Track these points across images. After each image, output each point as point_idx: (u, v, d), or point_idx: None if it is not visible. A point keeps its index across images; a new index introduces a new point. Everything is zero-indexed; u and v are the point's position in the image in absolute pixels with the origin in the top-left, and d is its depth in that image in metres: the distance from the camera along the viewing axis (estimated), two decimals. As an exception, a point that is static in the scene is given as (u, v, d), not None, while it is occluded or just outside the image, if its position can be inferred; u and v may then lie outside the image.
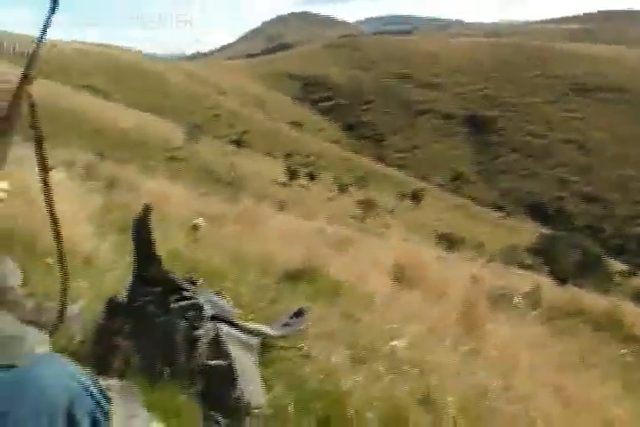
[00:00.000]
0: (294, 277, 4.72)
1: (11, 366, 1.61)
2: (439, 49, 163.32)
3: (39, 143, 2.10)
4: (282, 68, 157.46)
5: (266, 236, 7.43)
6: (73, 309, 2.65)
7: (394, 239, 8.27)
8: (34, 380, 1.25)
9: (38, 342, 1.79)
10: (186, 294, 2.37)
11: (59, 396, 1.22)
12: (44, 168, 2.13)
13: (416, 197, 63.55)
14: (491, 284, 8.19)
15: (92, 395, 1.26)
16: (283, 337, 2.76)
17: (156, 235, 5.60)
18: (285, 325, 2.88)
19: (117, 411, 1.28)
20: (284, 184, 49.14)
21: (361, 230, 19.13)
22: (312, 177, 56.58)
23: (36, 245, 3.14)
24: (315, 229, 11.17)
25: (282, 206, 21.07)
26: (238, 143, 63.21)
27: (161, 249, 4.80)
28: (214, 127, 76.90)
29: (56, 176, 6.52)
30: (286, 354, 2.68)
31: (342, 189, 55.24)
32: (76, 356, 2.30)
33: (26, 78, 2.00)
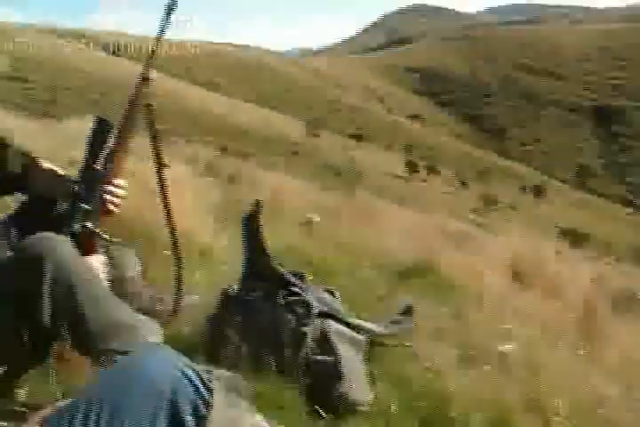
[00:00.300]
0: (407, 273, 4.70)
1: (125, 354, 1.70)
2: (564, 37, 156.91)
3: (155, 141, 2.20)
4: (402, 61, 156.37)
5: (382, 230, 7.42)
6: (189, 299, 2.76)
7: (513, 235, 8.05)
8: (142, 369, 1.30)
9: (151, 332, 1.87)
10: (294, 289, 2.41)
11: (164, 386, 1.27)
12: (160, 164, 2.23)
13: (539, 191, 61.50)
14: (616, 284, 7.81)
15: (194, 386, 1.29)
16: (390, 335, 2.75)
17: (273, 228, 5.74)
18: (394, 322, 2.87)
19: (219, 402, 1.31)
20: (403, 178, 48.85)
21: (480, 226, 18.74)
22: (432, 171, 55.88)
23: (157, 238, 3.28)
24: (432, 224, 11.05)
25: (400, 201, 20.95)
26: (358, 137, 63.43)
27: (276, 243, 4.92)
28: (334, 122, 77.40)
29: (179, 171, 6.80)
30: (393, 352, 2.67)
31: (462, 183, 54.28)
32: (188, 345, 2.39)
33: (144, 80, 2.10)
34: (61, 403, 1.35)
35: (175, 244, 2.33)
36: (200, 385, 1.30)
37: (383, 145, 67.89)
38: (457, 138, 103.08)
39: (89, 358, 1.72)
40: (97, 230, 2.03)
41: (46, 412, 1.36)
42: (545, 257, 6.80)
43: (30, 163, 2.17)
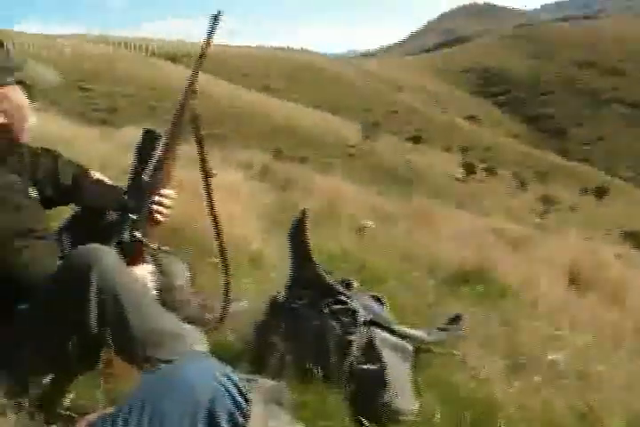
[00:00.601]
0: (460, 278, 4.64)
1: (169, 362, 1.73)
2: (626, 31, 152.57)
3: (202, 151, 2.24)
4: (459, 62, 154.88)
5: (437, 235, 7.35)
6: (237, 306, 2.79)
7: (573, 238, 7.88)
8: (182, 379, 1.32)
9: (196, 341, 1.91)
10: (340, 297, 2.41)
11: (202, 395, 1.29)
12: (206, 173, 2.27)
13: (601, 191, 59.86)
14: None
15: (232, 396, 1.31)
16: (438, 342, 2.73)
17: (327, 233, 5.74)
18: (442, 330, 2.84)
19: (257, 413, 1.32)
20: (460, 180, 48.30)
21: (539, 228, 18.36)
22: (490, 172, 55.06)
23: (207, 245, 3.32)
24: (490, 228, 10.89)
25: (458, 203, 20.68)
26: (415, 139, 63.08)
27: (330, 247, 4.93)
28: (391, 124, 77.03)
29: (232, 176, 6.87)
30: (440, 360, 2.64)
31: (522, 184, 53.28)
32: (234, 353, 2.41)
33: (190, 91, 2.14)
34: (107, 409, 1.40)
35: (222, 251, 2.37)
36: (238, 396, 1.32)
37: (440, 147, 67.21)
38: (515, 138, 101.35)
39: (134, 366, 1.76)
40: (145, 240, 2.08)
41: (93, 416, 1.41)
42: (605, 260, 6.63)
43: (81, 174, 2.24)
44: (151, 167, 2.10)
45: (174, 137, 2.13)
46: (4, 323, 1.79)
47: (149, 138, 2.11)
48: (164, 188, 2.14)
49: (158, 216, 2.12)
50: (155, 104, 30.82)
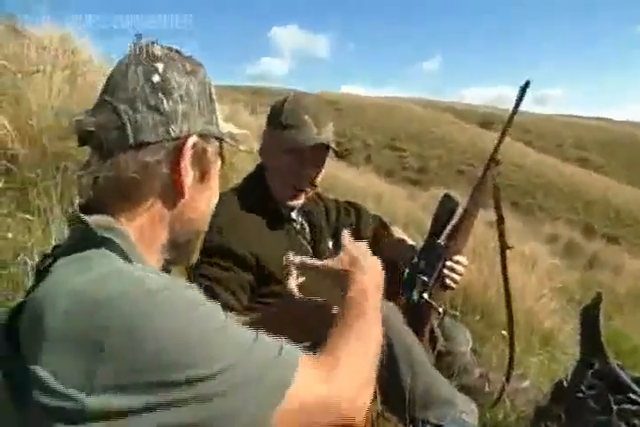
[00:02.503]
0: None
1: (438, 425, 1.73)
2: None
3: (500, 221, 2.22)
4: None
5: None
6: (520, 384, 2.68)
7: None
8: None
9: (467, 411, 1.87)
10: (632, 396, 2.18)
11: None
12: (503, 245, 2.25)
13: None
14: None
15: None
16: None
17: (632, 322, 5.27)
18: None
19: None
20: None
21: None
22: None
23: (495, 315, 3.26)
24: None
25: None
26: None
27: (634, 339, 4.53)
28: None
29: (534, 249, 6.69)
30: None
31: None
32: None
33: (493, 160, 2.16)
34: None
35: (511, 325, 2.31)
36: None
37: None
38: None
39: (401, 422, 1.78)
40: (432, 302, 2.11)
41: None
42: None
43: (381, 228, 2.36)
44: (447, 232, 2.13)
45: (473, 205, 2.15)
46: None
47: (448, 204, 2.15)
48: (458, 254, 2.15)
49: (448, 281, 2.14)
50: (464, 168, 31.28)
